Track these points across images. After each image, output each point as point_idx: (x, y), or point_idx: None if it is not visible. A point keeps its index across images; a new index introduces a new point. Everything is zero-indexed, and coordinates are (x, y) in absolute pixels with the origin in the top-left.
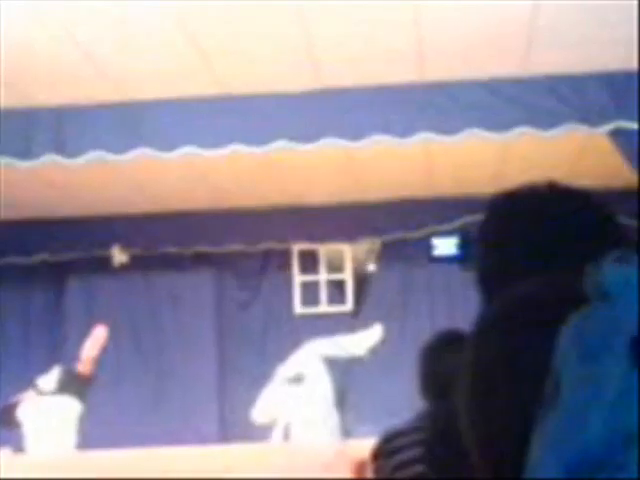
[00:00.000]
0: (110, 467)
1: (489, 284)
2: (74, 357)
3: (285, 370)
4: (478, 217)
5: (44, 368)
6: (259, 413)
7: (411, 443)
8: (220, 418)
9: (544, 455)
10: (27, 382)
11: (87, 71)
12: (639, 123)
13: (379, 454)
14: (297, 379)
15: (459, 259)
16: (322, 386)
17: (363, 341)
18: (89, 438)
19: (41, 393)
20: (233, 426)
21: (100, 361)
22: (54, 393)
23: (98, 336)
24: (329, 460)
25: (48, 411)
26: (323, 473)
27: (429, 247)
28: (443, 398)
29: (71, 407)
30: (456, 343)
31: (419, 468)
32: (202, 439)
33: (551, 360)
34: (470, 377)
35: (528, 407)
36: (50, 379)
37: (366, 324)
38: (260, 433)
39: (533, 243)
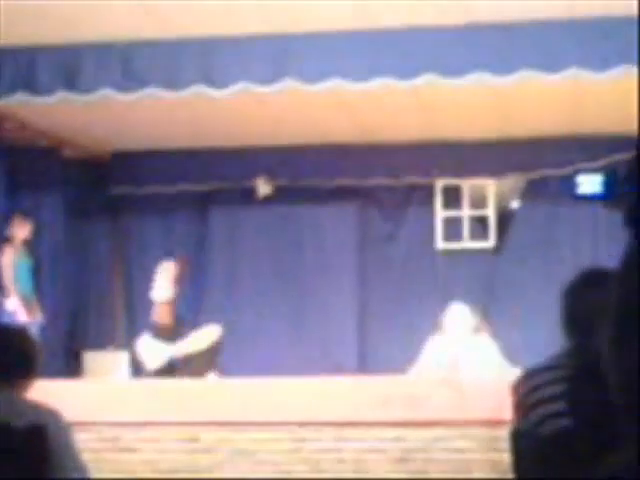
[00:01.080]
0: (248, 394)
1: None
2: (215, 287)
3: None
4: (625, 155)
5: (186, 300)
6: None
7: (552, 380)
8: (359, 351)
9: None
10: None
11: (237, 2)
12: None
13: (519, 390)
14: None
15: (604, 197)
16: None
17: None
18: (230, 364)
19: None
20: (372, 359)
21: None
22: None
23: (166, 271)
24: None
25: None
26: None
27: (573, 185)
28: (588, 336)
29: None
30: (601, 282)
31: (560, 405)
32: (340, 371)
33: None
34: (617, 315)
35: None
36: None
37: (508, 261)
38: (399, 369)
39: None
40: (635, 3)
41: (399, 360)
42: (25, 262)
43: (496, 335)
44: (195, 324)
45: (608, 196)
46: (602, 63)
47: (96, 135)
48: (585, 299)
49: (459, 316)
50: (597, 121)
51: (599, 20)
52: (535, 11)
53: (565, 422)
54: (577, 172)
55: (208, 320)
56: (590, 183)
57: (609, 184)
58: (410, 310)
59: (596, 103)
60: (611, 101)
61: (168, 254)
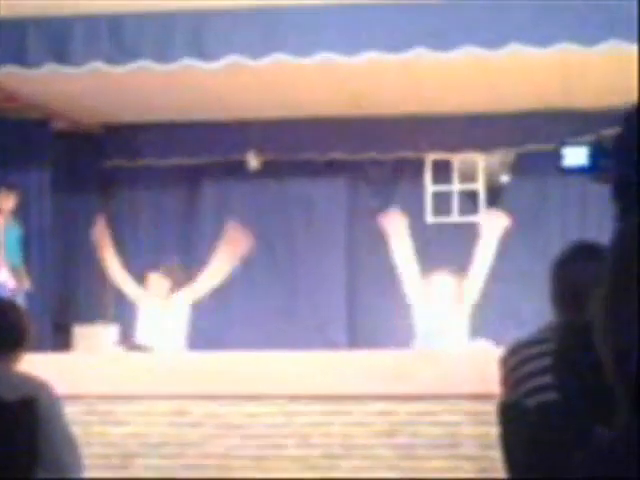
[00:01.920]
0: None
1: (626, 195)
2: (205, 261)
3: None
4: (613, 130)
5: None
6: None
7: (540, 353)
8: (349, 325)
9: None
10: None
11: None
12: None
13: (507, 363)
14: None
15: (589, 170)
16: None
17: None
18: (221, 338)
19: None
20: (362, 332)
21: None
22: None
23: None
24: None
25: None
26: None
27: (559, 158)
28: (577, 310)
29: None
30: (590, 255)
31: (547, 378)
32: (331, 344)
33: None
34: (610, 289)
35: None
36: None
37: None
38: (387, 343)
39: None
40: None
41: (389, 334)
42: (14, 232)
43: (487, 308)
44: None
45: (594, 169)
46: (591, 38)
47: (87, 107)
48: (574, 273)
49: (444, 286)
50: (586, 95)
51: None
52: None
53: (552, 395)
54: (563, 145)
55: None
56: (575, 156)
57: (595, 157)
58: (400, 285)
59: (585, 77)
60: (600, 75)
61: (158, 227)
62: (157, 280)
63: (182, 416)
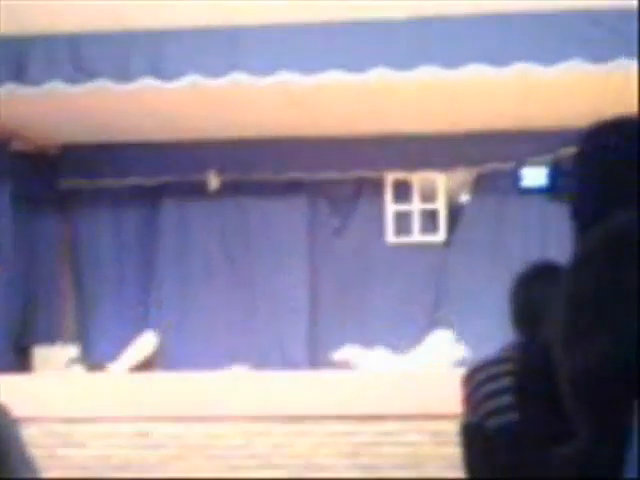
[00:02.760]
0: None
1: (584, 214)
2: (166, 280)
3: None
4: (572, 150)
5: (136, 293)
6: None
7: (500, 373)
8: (310, 345)
9: None
10: (119, 306)
11: None
12: None
13: (469, 383)
14: None
15: (548, 190)
16: None
17: None
18: (181, 358)
19: None
20: (323, 352)
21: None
22: None
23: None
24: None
25: None
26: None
27: (518, 178)
28: (535, 329)
29: None
30: (549, 274)
31: (507, 399)
32: (291, 364)
33: None
34: (569, 309)
35: (631, 338)
36: None
37: (458, 255)
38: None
39: (630, 173)
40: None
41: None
42: None
43: (447, 328)
44: (145, 318)
45: (552, 189)
46: (549, 58)
47: (46, 127)
48: (533, 291)
49: (444, 344)
50: (545, 115)
51: (548, 14)
52: (484, 5)
53: (512, 416)
54: (522, 165)
55: (158, 314)
56: (534, 176)
57: (553, 177)
58: (361, 304)
59: (544, 97)
60: (558, 95)
61: (119, 246)
62: None
63: (143, 438)
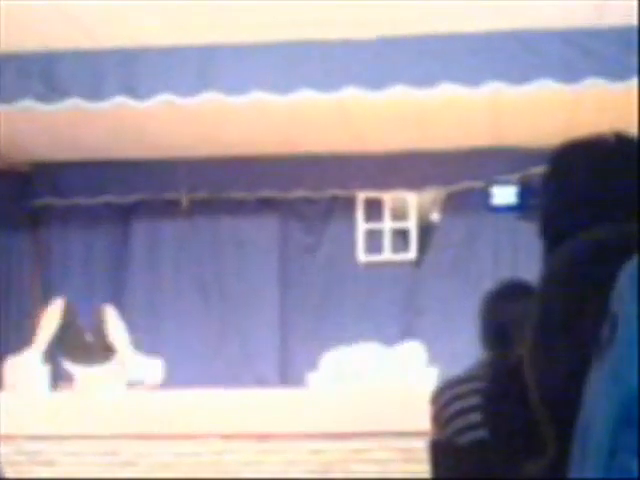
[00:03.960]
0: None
1: (552, 233)
2: (136, 299)
3: None
4: (542, 169)
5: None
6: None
7: (469, 391)
8: (280, 364)
9: (605, 387)
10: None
11: (157, 14)
12: None
13: (437, 401)
14: None
15: (517, 209)
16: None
17: None
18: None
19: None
20: (293, 371)
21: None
22: None
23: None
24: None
25: None
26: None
27: (488, 196)
28: (504, 347)
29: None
30: (519, 292)
31: (476, 416)
32: (262, 383)
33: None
34: (536, 327)
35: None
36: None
37: (429, 273)
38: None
39: (597, 193)
40: (555, 16)
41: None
42: None
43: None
44: None
45: (522, 207)
46: (520, 77)
47: (16, 145)
48: (502, 310)
49: (414, 362)
50: (516, 134)
51: (520, 33)
52: (454, 24)
53: (481, 433)
54: (492, 183)
55: (129, 331)
56: (504, 195)
57: (523, 196)
58: (332, 323)
59: (515, 116)
60: (529, 114)
61: (89, 265)
62: None
63: (113, 456)
